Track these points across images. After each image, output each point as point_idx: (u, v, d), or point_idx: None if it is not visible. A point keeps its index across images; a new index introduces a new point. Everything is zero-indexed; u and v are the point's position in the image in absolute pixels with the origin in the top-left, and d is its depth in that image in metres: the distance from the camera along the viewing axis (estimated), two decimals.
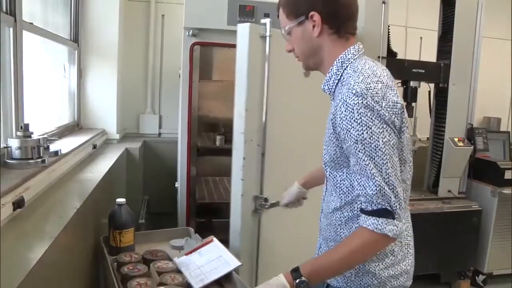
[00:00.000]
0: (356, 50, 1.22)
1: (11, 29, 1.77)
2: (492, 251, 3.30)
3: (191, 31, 2.32)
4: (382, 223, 1.09)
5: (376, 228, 1.09)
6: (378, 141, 1.08)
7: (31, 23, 2.03)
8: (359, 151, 1.10)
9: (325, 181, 1.35)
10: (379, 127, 1.08)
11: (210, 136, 2.79)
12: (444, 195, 3.30)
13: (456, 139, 3.25)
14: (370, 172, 1.09)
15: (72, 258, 1.54)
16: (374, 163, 1.08)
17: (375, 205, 1.10)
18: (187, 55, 2.37)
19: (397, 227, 1.09)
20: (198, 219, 2.46)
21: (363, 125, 1.08)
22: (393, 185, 1.09)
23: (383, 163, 1.08)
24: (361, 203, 1.14)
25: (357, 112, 1.08)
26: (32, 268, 1.04)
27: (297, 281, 1.12)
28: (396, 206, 1.09)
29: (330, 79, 1.24)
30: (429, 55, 3.51)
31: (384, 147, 1.08)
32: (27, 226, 1.33)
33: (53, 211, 1.50)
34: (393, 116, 1.11)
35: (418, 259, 1.32)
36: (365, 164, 1.09)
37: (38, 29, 2.16)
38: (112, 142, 3.11)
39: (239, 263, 1.62)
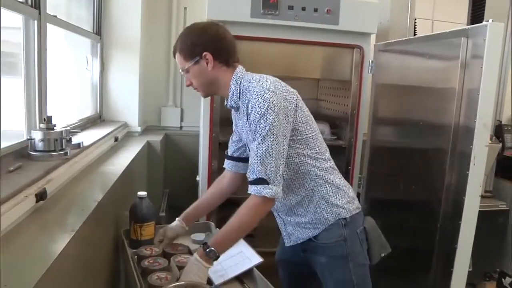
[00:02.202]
0: (242, 69, 1.58)
1: (36, 22, 1.77)
2: None
3: None
4: (260, 188, 1.41)
5: (257, 193, 1.42)
6: (270, 123, 1.41)
7: (55, 16, 2.03)
8: (257, 132, 1.42)
9: None
10: (271, 113, 1.41)
11: (232, 130, 2.76)
12: None
13: None
14: (259, 146, 1.41)
15: (93, 250, 1.55)
16: (263, 139, 1.41)
17: (255, 174, 1.42)
18: None
19: (271, 190, 1.41)
20: (219, 213, 2.44)
21: (261, 114, 1.41)
22: (274, 156, 1.41)
23: (270, 139, 1.41)
24: (248, 175, 1.46)
25: (258, 106, 1.42)
26: (54, 260, 1.04)
27: (207, 250, 1.42)
28: (271, 175, 1.41)
29: (233, 95, 1.55)
30: None
31: (273, 128, 1.41)
32: (49, 218, 1.34)
33: (75, 204, 1.50)
34: (288, 96, 1.49)
35: None
36: (258, 142, 1.42)
37: (62, 22, 2.16)
38: (133, 134, 3.12)
39: (261, 259, 1.60)
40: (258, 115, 1.42)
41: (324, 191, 1.58)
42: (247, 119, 1.48)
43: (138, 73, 3.10)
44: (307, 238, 1.63)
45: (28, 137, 1.66)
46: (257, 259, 1.59)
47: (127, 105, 3.12)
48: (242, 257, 1.62)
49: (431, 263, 2.11)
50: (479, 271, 3.18)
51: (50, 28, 1.93)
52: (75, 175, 1.80)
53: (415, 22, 3.02)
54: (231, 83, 1.55)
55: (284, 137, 1.46)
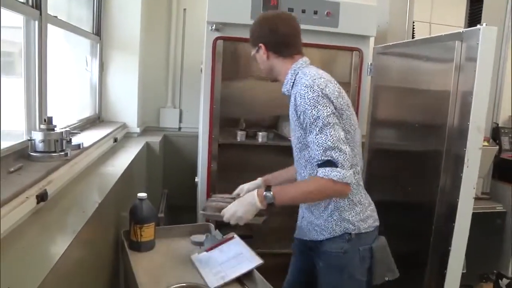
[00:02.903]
0: (304, 61, 1.67)
1: (36, 23, 1.77)
2: None
3: (214, 25, 2.30)
4: (328, 170, 1.45)
5: (324, 175, 1.45)
6: (324, 114, 1.48)
7: (56, 17, 2.03)
8: (312, 123, 1.49)
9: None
10: (322, 105, 1.49)
11: (231, 131, 2.76)
12: None
13: None
14: (318, 136, 1.47)
15: (93, 251, 1.55)
16: (321, 130, 1.47)
17: (321, 159, 1.46)
18: (210, 49, 2.35)
19: (339, 173, 1.44)
20: None
21: (312, 105, 1.49)
22: (336, 143, 1.46)
23: (327, 128, 1.47)
24: (315, 161, 1.49)
25: (307, 97, 1.50)
26: (57, 262, 1.05)
27: (265, 193, 1.53)
28: (339, 158, 1.45)
29: (287, 83, 1.66)
30: None
31: (327, 118, 1.48)
32: (51, 220, 1.34)
33: (76, 205, 1.51)
34: (337, 98, 1.54)
35: None
36: (316, 133, 1.48)
37: (62, 23, 2.17)
38: (132, 135, 3.13)
39: (261, 261, 1.60)
40: (309, 107, 1.49)
41: (341, 204, 1.61)
42: (295, 110, 1.56)
43: (137, 74, 3.10)
44: (312, 239, 1.69)
45: (29, 138, 1.66)
46: (257, 260, 1.60)
47: (126, 105, 3.12)
48: (242, 258, 1.62)
49: (425, 265, 2.12)
50: (476, 273, 3.19)
51: (50, 28, 1.93)
52: (75, 176, 1.80)
53: (413, 25, 3.04)
54: (289, 72, 1.65)
55: (339, 125, 1.50)
